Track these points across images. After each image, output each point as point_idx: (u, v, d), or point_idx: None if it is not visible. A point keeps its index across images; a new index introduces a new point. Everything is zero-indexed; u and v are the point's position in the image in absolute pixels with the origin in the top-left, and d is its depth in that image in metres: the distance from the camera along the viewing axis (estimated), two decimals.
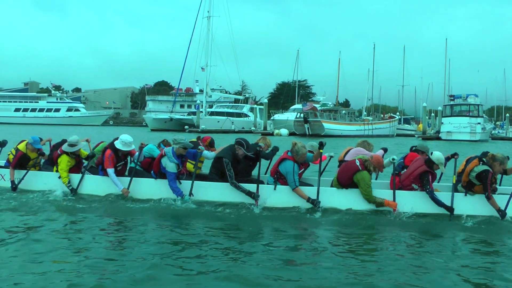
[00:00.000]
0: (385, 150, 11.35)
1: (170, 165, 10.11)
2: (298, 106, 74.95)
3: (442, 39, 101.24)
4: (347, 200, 9.80)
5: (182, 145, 10.16)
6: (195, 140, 11.42)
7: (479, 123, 62.87)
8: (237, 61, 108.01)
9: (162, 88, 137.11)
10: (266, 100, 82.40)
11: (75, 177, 11.01)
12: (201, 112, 79.60)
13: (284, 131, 68.40)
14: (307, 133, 63.32)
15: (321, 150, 10.21)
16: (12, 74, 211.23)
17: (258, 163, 10.36)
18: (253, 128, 76.74)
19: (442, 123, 65.61)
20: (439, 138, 62.47)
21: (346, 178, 9.75)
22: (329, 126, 65.16)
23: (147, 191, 10.56)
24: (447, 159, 10.37)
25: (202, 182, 10.27)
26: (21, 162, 11.37)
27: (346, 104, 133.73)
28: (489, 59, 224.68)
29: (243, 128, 78.28)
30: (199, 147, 10.52)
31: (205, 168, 11.26)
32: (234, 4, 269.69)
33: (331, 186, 10.20)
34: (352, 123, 73.22)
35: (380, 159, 9.93)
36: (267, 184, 10.28)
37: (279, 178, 10.04)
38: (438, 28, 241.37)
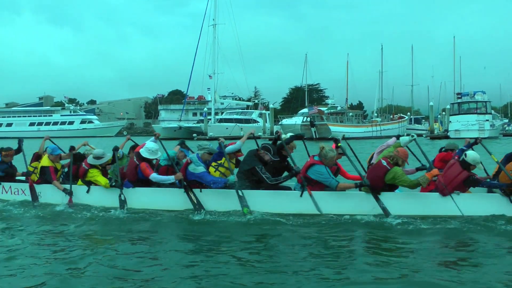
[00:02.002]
0: (398, 136, 10.91)
1: (198, 168, 9.96)
2: (305, 110, 74.90)
3: (452, 37, 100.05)
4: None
5: (207, 150, 10.22)
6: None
7: (487, 120, 62.44)
8: (244, 68, 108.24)
9: (175, 97, 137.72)
10: (272, 106, 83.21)
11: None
12: (209, 119, 79.96)
13: (290, 135, 68.13)
14: (314, 136, 63.22)
15: (339, 144, 10.16)
16: (29, 89, 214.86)
17: (286, 164, 10.39)
18: (260, 133, 76.75)
19: (450, 121, 65.21)
20: (447, 137, 61.83)
21: (379, 181, 9.39)
22: (336, 129, 64.95)
23: (172, 201, 10.39)
24: (470, 146, 10.41)
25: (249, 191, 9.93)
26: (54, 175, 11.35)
27: (359, 106, 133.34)
28: (503, 55, 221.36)
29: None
30: (219, 137, 10.67)
31: None
32: (245, 11, 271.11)
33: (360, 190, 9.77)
34: (359, 125, 73.11)
35: (405, 151, 9.66)
36: (294, 190, 10.09)
37: (308, 183, 9.72)
38: (448, 25, 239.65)
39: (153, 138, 11.30)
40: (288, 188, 10.35)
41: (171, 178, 10.21)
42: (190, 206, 10.05)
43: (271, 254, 7.36)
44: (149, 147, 10.69)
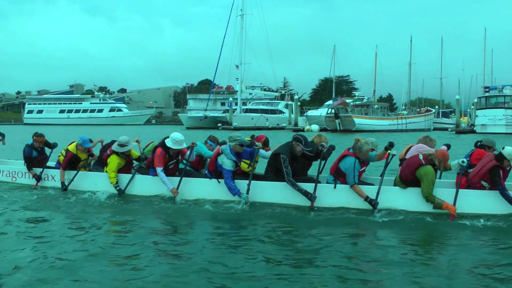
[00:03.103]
0: (448, 146, 10.15)
1: (227, 162, 9.83)
2: (331, 102, 74.67)
3: (485, 29, 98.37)
4: (409, 200, 9.18)
5: (238, 142, 9.93)
6: (249, 139, 10.77)
7: None
8: (271, 58, 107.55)
9: (205, 86, 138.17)
10: (297, 97, 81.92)
11: (124, 178, 10.94)
12: (235, 109, 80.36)
13: (315, 127, 68.24)
14: (338, 128, 63.08)
15: (389, 151, 9.55)
16: (61, 78, 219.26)
17: (318, 162, 9.96)
18: (284, 124, 76.76)
19: (477, 115, 64.14)
20: (473, 131, 61.04)
21: (409, 174, 9.09)
22: (360, 121, 64.64)
23: (200, 191, 10.33)
24: None
25: (258, 182, 9.88)
26: (71, 162, 11.53)
27: (389, 98, 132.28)
28: None
29: (278, 124, 78.51)
30: (256, 143, 10.20)
31: (260, 169, 10.72)
32: (278, 2, 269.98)
33: (394, 185, 9.59)
34: (385, 117, 72.40)
35: (445, 153, 9.19)
36: (327, 183, 9.80)
37: (339, 176, 9.57)
38: (481, 18, 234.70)
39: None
40: (318, 182, 9.76)
41: (169, 186, 10.27)
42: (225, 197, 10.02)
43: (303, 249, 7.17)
44: (174, 137, 10.49)
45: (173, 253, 6.82)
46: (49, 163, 12.34)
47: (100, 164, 11.61)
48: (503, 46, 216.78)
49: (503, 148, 8.88)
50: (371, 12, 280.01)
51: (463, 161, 9.05)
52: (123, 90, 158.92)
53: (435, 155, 9.01)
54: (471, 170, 9.27)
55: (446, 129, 75.82)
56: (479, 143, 10.20)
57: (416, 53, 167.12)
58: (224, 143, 10.63)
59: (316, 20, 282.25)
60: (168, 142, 10.47)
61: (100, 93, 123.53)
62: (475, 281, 5.77)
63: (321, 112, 74.35)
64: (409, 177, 9.11)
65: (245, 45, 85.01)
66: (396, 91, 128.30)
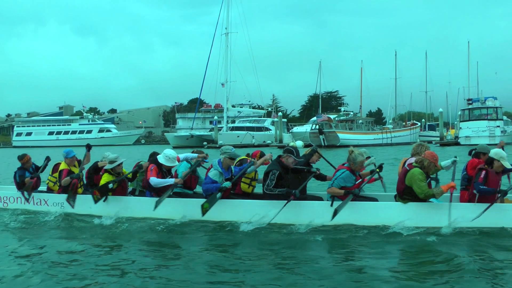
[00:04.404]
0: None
1: (212, 172, 9.77)
2: (315, 118, 74.91)
3: (468, 42, 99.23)
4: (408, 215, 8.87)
5: (228, 155, 9.83)
6: (245, 157, 10.77)
7: (498, 126, 61.67)
8: (257, 76, 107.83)
9: (194, 105, 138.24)
10: (281, 114, 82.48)
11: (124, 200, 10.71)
12: (221, 128, 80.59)
13: (300, 143, 67.54)
14: (323, 144, 63.22)
15: (377, 171, 9.46)
16: (51, 99, 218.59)
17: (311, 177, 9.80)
18: (269, 141, 76.87)
19: (461, 128, 64.60)
20: (458, 144, 61.45)
21: (400, 184, 9.00)
22: (345, 136, 64.97)
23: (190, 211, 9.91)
24: None
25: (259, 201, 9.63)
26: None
27: (378, 113, 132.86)
28: None
29: (264, 141, 78.66)
30: (251, 160, 10.21)
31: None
32: (269, 20, 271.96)
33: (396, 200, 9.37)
34: (369, 132, 72.74)
35: (433, 153, 8.93)
36: (327, 200, 9.54)
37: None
38: (466, 31, 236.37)
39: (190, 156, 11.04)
40: (320, 198, 9.97)
41: (169, 181, 10.05)
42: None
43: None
44: (167, 154, 10.37)
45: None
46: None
47: (91, 186, 11.28)
48: (487, 58, 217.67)
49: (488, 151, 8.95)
50: (358, 27, 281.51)
51: (455, 157, 9.09)
52: (113, 111, 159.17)
53: (424, 157, 8.83)
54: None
55: (430, 142, 76.07)
56: (473, 151, 9.99)
57: (403, 67, 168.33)
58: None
59: (306, 36, 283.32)
60: (161, 159, 10.34)
61: (89, 114, 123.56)
62: None
63: (306, 128, 74.58)
64: (400, 187, 9.00)
65: (230, 63, 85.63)
66: (386, 106, 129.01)
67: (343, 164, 9.44)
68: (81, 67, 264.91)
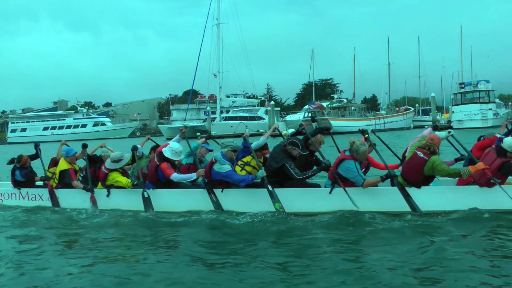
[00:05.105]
0: (434, 127, 10.32)
1: (224, 167, 9.55)
2: (307, 106, 74.86)
3: (461, 26, 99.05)
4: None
5: (231, 147, 9.86)
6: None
7: (490, 109, 61.77)
8: (249, 65, 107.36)
9: (188, 97, 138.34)
10: (273, 103, 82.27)
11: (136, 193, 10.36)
12: (214, 118, 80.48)
13: (291, 131, 68.13)
14: None
15: (366, 135, 9.65)
16: (46, 95, 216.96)
17: (314, 158, 9.99)
18: (262, 130, 76.74)
19: (453, 111, 64.69)
20: (450, 127, 61.32)
21: (417, 175, 8.86)
22: (337, 123, 64.87)
23: (195, 203, 9.98)
24: (509, 132, 9.95)
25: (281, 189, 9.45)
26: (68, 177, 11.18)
27: (373, 99, 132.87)
28: None
29: (258, 130, 78.48)
30: (243, 133, 10.27)
31: None
32: (265, 9, 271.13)
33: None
34: (362, 118, 72.76)
35: (437, 137, 8.99)
36: (325, 187, 9.59)
37: (337, 180, 9.21)
38: (459, 16, 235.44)
39: (177, 137, 11.06)
40: (317, 185, 9.96)
41: (192, 176, 9.91)
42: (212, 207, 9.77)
43: (302, 257, 6.95)
44: (173, 148, 10.20)
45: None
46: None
47: (88, 181, 11.10)
48: (481, 42, 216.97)
49: (501, 141, 8.82)
50: (353, 14, 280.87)
51: (449, 131, 9.19)
52: (108, 104, 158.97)
53: (433, 143, 8.79)
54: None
55: (423, 126, 76.11)
56: (482, 138, 10.25)
57: (397, 53, 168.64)
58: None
59: (300, 24, 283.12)
60: (167, 153, 10.15)
61: (83, 108, 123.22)
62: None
63: (299, 116, 74.53)
64: (418, 178, 8.89)
65: (222, 54, 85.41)
66: (380, 92, 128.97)
67: (345, 152, 9.33)
68: (75, 62, 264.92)
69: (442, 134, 9.46)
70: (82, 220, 10.10)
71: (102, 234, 8.83)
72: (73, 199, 11.13)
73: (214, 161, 9.69)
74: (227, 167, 9.55)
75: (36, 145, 12.65)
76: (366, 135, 9.66)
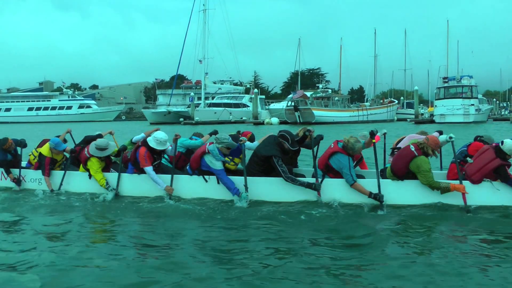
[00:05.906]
0: (441, 132, 10.23)
1: (217, 164, 9.54)
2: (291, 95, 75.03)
3: (447, 21, 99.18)
4: (411, 193, 8.91)
5: (225, 144, 9.54)
6: (234, 134, 10.56)
7: (472, 105, 61.98)
8: (235, 52, 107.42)
9: (176, 81, 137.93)
10: (257, 91, 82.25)
11: (110, 177, 10.36)
12: (198, 104, 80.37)
13: (275, 120, 68.61)
14: (298, 121, 63.44)
15: (373, 140, 9.42)
16: (32, 75, 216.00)
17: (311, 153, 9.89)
18: (245, 118, 76.75)
19: (436, 106, 64.97)
20: (433, 121, 61.85)
21: (402, 167, 8.86)
22: (320, 113, 65.23)
23: (189, 189, 9.88)
24: None
25: (255, 178, 9.52)
26: (50, 167, 11.03)
27: (360, 90, 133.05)
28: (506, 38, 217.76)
29: (242, 118, 78.49)
30: (240, 138, 9.81)
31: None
32: None
33: (384, 177, 9.24)
34: (345, 109, 72.86)
35: (436, 140, 8.95)
36: (312, 176, 9.51)
37: (329, 171, 9.25)
38: (444, 10, 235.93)
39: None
40: (302, 175, 9.80)
41: (162, 184, 9.77)
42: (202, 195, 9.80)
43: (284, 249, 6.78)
44: (157, 137, 9.93)
45: (174, 260, 6.28)
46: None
47: (73, 162, 11.09)
48: (468, 38, 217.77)
49: (502, 142, 8.74)
50: (340, 5, 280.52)
51: (450, 137, 8.89)
52: (94, 87, 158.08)
53: (427, 143, 8.75)
54: (469, 162, 9.07)
55: (405, 119, 76.54)
56: (478, 138, 10.08)
57: (383, 46, 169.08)
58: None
59: (289, 13, 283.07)
60: (151, 142, 9.89)
61: (68, 90, 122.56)
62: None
63: (283, 105, 74.65)
64: (402, 170, 8.88)
65: (208, 40, 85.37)
66: (367, 83, 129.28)
67: (337, 143, 9.20)
68: (63, 43, 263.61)
69: (442, 138, 9.45)
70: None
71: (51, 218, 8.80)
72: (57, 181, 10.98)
73: (207, 152, 9.60)
74: (219, 164, 9.56)
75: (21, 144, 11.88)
76: (374, 141, 9.46)
